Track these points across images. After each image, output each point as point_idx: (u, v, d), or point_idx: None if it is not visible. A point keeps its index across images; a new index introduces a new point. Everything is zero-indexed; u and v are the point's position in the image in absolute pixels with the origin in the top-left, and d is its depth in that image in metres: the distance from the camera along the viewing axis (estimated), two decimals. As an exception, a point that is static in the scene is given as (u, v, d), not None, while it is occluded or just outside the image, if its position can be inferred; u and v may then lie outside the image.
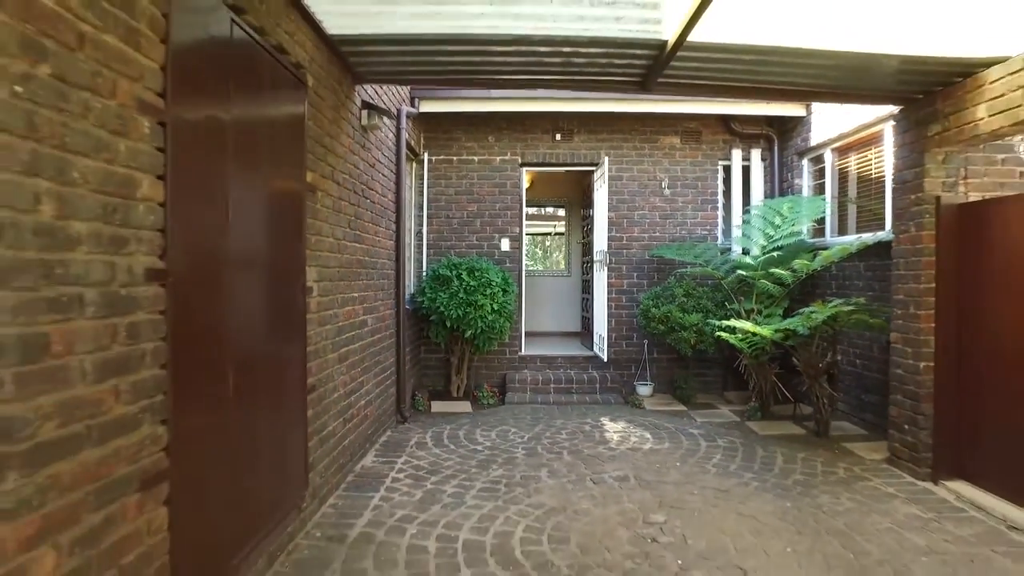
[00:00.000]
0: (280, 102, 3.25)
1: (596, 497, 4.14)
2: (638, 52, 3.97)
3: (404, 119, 6.06)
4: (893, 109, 4.85)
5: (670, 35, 3.65)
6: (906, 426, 4.62)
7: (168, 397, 2.18)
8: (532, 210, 11.25)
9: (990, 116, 3.81)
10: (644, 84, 4.47)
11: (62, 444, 1.69)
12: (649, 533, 3.58)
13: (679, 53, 3.82)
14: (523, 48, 3.98)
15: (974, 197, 4.51)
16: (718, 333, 6.01)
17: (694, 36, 3.54)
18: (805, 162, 7.30)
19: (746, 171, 7.72)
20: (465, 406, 6.83)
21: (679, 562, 3.23)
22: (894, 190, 4.85)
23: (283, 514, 3.24)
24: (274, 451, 3.15)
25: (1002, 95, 3.71)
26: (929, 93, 4.38)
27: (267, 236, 3.06)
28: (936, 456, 4.37)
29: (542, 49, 3.99)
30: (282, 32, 3.23)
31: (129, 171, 1.97)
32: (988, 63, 3.80)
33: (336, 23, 3.73)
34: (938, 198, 4.39)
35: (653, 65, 4.13)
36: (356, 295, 4.67)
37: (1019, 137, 4.48)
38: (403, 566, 3.15)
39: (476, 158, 7.57)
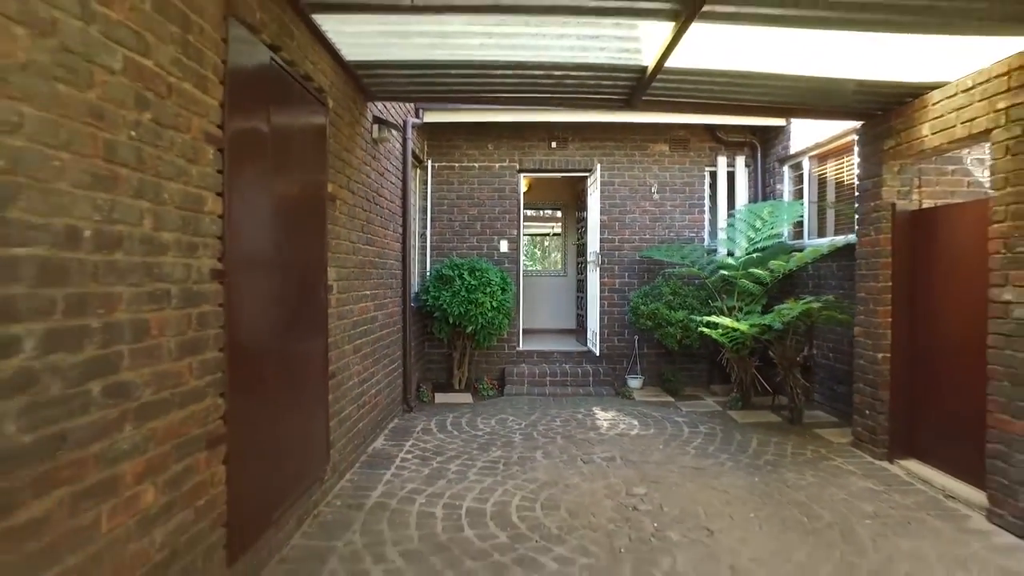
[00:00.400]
0: (307, 123, 3.73)
1: (585, 474, 4.62)
2: (622, 75, 4.45)
3: (410, 130, 6.54)
4: (857, 124, 5.33)
5: (650, 61, 4.13)
6: (867, 411, 5.10)
7: (225, 375, 2.66)
8: (530, 212, 11.74)
9: (932, 134, 4.29)
10: (629, 102, 4.95)
11: (157, 405, 2.17)
12: (630, 503, 4.06)
13: (659, 76, 4.31)
14: (519, 71, 4.47)
15: (927, 204, 4.99)
16: (701, 328, 6.48)
17: (671, 63, 4.02)
18: (786, 169, 7.78)
19: (731, 176, 8.20)
20: (466, 397, 7.30)
21: (655, 525, 3.71)
22: (856, 197, 5.34)
23: (309, 483, 3.72)
24: (302, 428, 3.63)
25: (940, 116, 4.20)
26: (885, 111, 4.87)
27: (297, 240, 3.54)
28: (891, 437, 4.85)
29: (536, 72, 4.48)
30: (308, 63, 3.71)
31: (199, 190, 2.45)
32: (931, 87, 4.29)
33: (353, 51, 4.21)
34: (893, 205, 4.87)
35: (636, 86, 4.61)
36: (368, 293, 5.15)
37: (967, 150, 4.96)
38: (414, 527, 3.63)
39: (476, 164, 8.04)
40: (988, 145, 3.92)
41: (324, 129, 4.01)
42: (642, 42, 3.84)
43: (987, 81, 3.80)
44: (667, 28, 3.54)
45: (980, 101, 3.85)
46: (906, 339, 4.82)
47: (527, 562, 3.22)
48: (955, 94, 4.08)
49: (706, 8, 3.16)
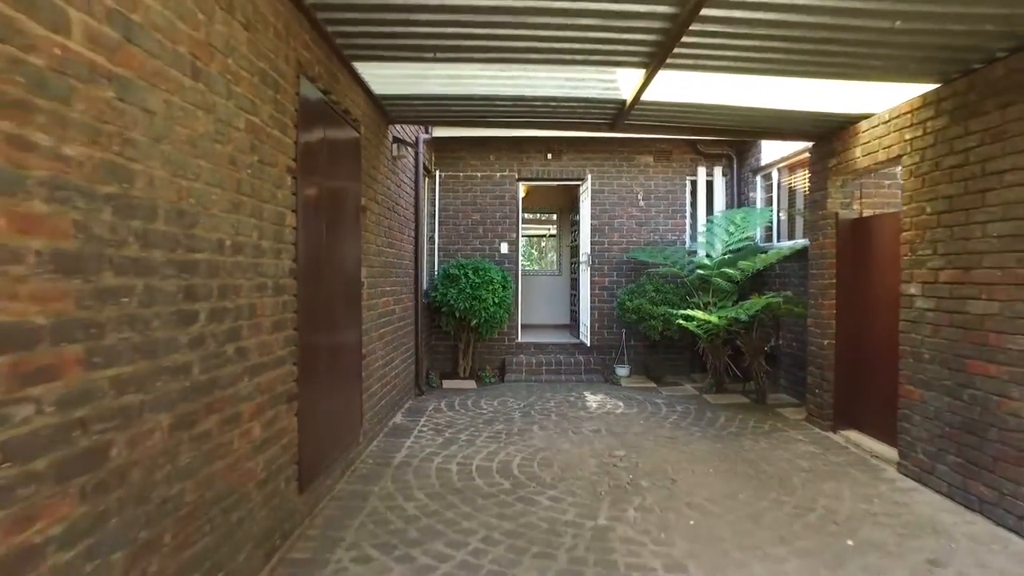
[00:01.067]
0: (346, 148, 4.57)
1: (575, 441, 5.48)
2: (606, 106, 5.32)
3: (421, 145, 7.39)
4: (810, 144, 6.20)
5: (628, 96, 4.98)
6: (816, 390, 5.97)
7: (297, 348, 3.50)
8: (528, 215, 12.58)
9: (862, 156, 5.16)
10: (613, 126, 5.81)
11: (261, 366, 3.01)
12: (611, 462, 4.91)
13: (636, 107, 5.16)
14: (519, 102, 5.32)
15: (868, 213, 5.86)
16: (678, 321, 7.34)
17: (646, 97, 4.88)
18: (758, 178, 8.65)
19: (710, 185, 9.07)
20: (471, 384, 8.15)
21: (630, 476, 4.56)
22: (808, 207, 6.21)
23: (348, 444, 4.57)
24: (344, 398, 4.48)
25: (868, 142, 5.07)
26: (828, 136, 5.73)
27: (341, 245, 4.38)
28: (835, 411, 5.72)
29: (534, 102, 5.33)
30: (348, 99, 4.56)
31: (283, 209, 3.30)
32: (861, 118, 5.16)
33: (380, 87, 5.06)
34: (837, 214, 5.74)
35: (618, 114, 5.47)
36: (388, 289, 6.00)
37: (899, 167, 5.82)
38: (434, 477, 4.48)
39: (479, 174, 8.89)
40: (899, 167, 4.78)
41: (359, 152, 4.86)
42: (620, 82, 4.70)
43: (898, 116, 4.67)
44: (639, 73, 4.41)
45: (894, 132, 4.72)
46: (847, 328, 5.68)
47: (526, 500, 4.07)
48: (877, 125, 4.95)
49: (669, 61, 4.01)
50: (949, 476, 4.07)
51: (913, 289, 4.44)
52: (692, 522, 3.74)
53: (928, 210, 4.30)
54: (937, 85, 4.28)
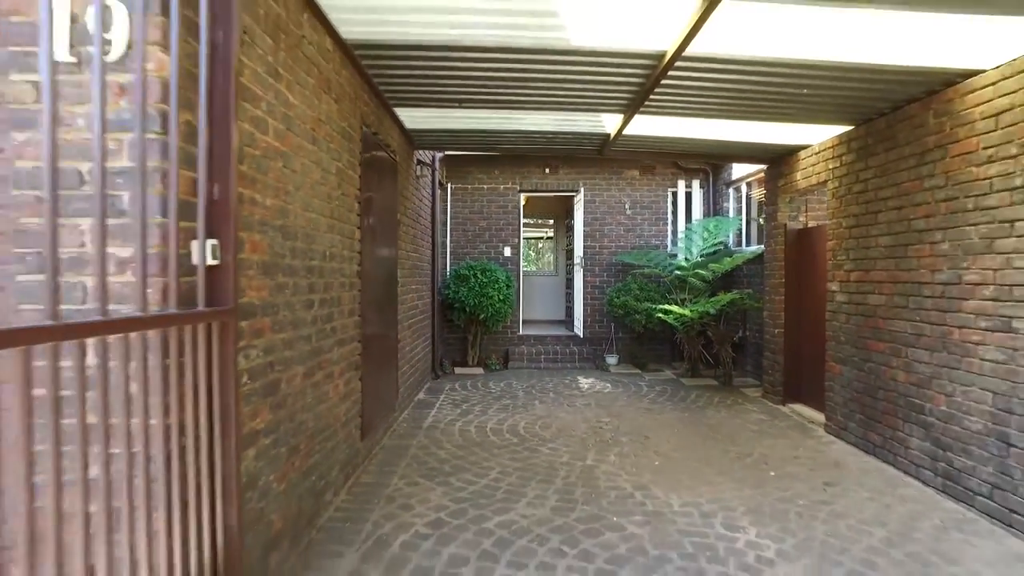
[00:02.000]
0: (387, 173, 5.76)
1: (569, 412, 6.68)
2: (594, 138, 6.52)
3: (437, 163, 8.57)
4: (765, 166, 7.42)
5: (611, 131, 6.19)
6: (770, 371, 7.18)
7: (360, 331, 4.68)
8: (528, 221, 13.75)
9: (802, 179, 6.37)
10: (601, 152, 7.02)
11: (342, 340, 4.20)
12: (598, 425, 6.10)
13: (619, 139, 6.36)
14: (521, 134, 6.52)
15: (812, 224, 7.06)
16: (657, 315, 8.53)
17: (626, 132, 6.08)
18: (731, 191, 9.86)
19: (688, 196, 10.28)
20: (479, 370, 9.34)
21: (612, 434, 5.75)
22: (764, 218, 7.43)
23: (388, 411, 5.75)
24: (387, 373, 5.66)
25: (805, 168, 6.28)
26: (778, 160, 6.94)
27: (385, 251, 5.57)
28: (784, 388, 6.92)
29: (534, 135, 6.53)
30: (389, 135, 5.75)
31: (353, 227, 4.49)
32: (801, 148, 6.37)
33: (411, 123, 6.26)
34: (785, 225, 6.95)
35: (604, 144, 6.67)
36: (413, 287, 7.18)
37: (826, 189, 7.02)
38: (458, 435, 5.67)
39: (486, 186, 10.08)
40: (827, 189, 5.99)
41: (396, 175, 6.05)
42: (604, 122, 5.91)
43: (825, 149, 5.89)
44: (619, 117, 5.61)
45: (821, 162, 5.93)
46: (793, 319, 6.89)
47: (531, 448, 5.27)
48: (811, 155, 6.16)
49: (642, 109, 5.21)
50: (856, 430, 5.28)
51: (834, 286, 5.66)
52: (657, 463, 4.94)
53: (843, 224, 5.52)
54: (850, 127, 5.49)
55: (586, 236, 10.09)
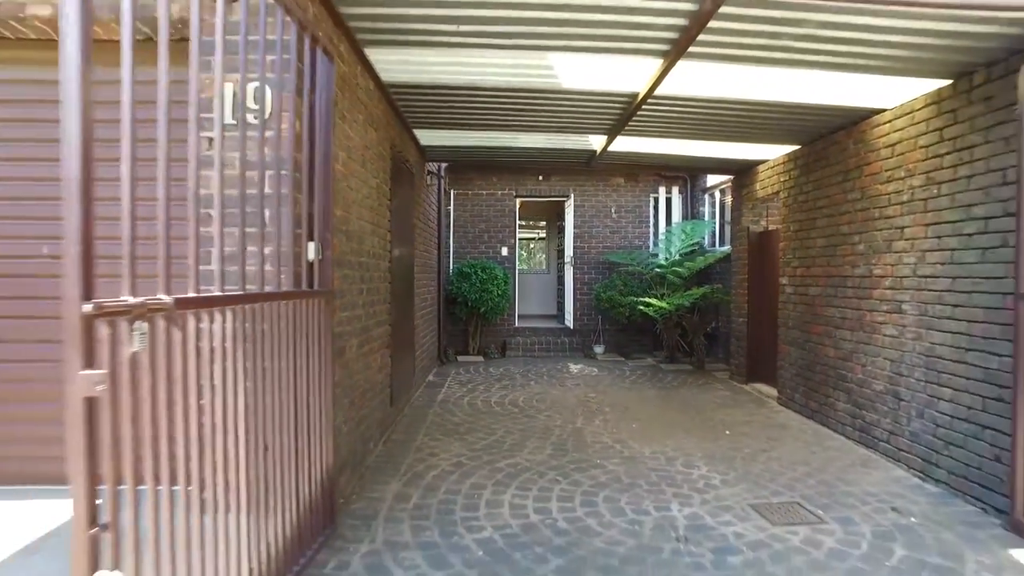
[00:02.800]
0: (406, 185, 6.77)
1: (561, 390, 7.71)
2: (582, 154, 7.57)
3: (442, 172, 9.58)
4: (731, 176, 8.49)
5: (597, 148, 7.23)
6: (736, 356, 8.25)
7: (390, 316, 5.69)
8: (522, 223, 14.78)
9: (760, 189, 7.45)
10: (588, 166, 8.08)
11: (379, 323, 5.21)
12: (585, 400, 7.14)
13: (604, 155, 7.41)
14: (519, 149, 7.56)
15: (773, 227, 8.13)
16: (639, 307, 9.58)
17: (610, 149, 7.12)
18: (706, 196, 10.94)
19: (668, 201, 11.34)
20: (479, 358, 10.35)
21: (597, 405, 6.79)
22: (731, 222, 8.50)
23: (408, 385, 6.76)
24: (407, 354, 6.67)
25: (763, 179, 7.36)
26: (742, 172, 8.02)
27: (405, 251, 6.58)
28: (747, 370, 7.99)
29: (530, 150, 7.57)
30: (408, 152, 6.76)
31: (385, 231, 5.49)
32: (759, 163, 7.45)
33: (425, 140, 7.27)
34: (748, 228, 8.02)
35: (591, 159, 7.72)
36: (424, 283, 8.19)
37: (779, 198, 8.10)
38: (467, 406, 6.69)
39: (484, 192, 11.09)
40: (780, 198, 7.06)
41: (413, 186, 7.06)
42: (591, 141, 6.96)
43: (777, 164, 6.96)
44: (604, 137, 6.66)
45: (775, 175, 7.01)
46: (754, 309, 7.96)
47: (529, 416, 6.29)
48: (767, 169, 7.24)
49: (622, 132, 6.25)
50: (799, 399, 6.36)
51: (784, 280, 6.73)
52: (634, 426, 5.98)
53: (791, 228, 6.59)
54: (796, 147, 6.56)
55: (576, 237, 11.14)
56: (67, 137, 1.53)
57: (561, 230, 12.96)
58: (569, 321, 11.15)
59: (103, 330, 1.56)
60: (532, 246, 19.26)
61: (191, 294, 2.06)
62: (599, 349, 10.82)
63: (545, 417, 6.28)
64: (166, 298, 1.82)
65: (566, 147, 7.32)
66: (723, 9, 3.33)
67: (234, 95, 3.05)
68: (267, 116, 3.06)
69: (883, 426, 4.92)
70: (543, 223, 15.03)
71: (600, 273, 11.16)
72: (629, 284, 10.39)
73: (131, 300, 1.68)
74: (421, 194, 7.89)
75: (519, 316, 11.52)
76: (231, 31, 2.62)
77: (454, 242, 11.06)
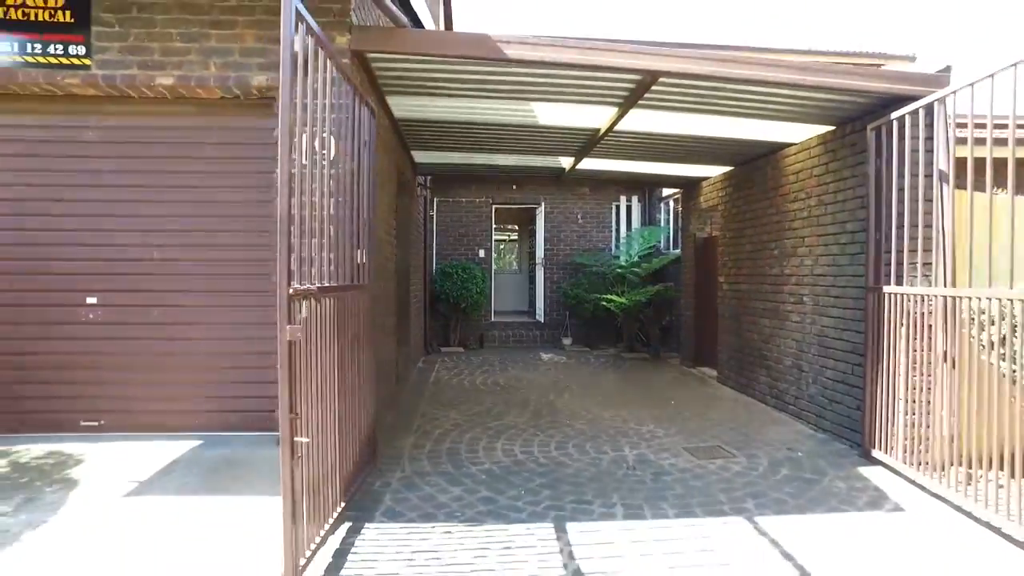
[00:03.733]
0: (404, 197, 7.90)
1: (534, 373, 8.94)
2: (553, 170, 8.82)
3: (428, 182, 10.73)
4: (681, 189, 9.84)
5: (566, 166, 8.49)
6: (685, 344, 9.60)
7: (396, 307, 6.83)
8: (497, 226, 15.97)
9: (703, 201, 8.81)
10: (558, 181, 9.33)
11: (390, 313, 6.35)
12: (556, 381, 8.38)
13: (572, 172, 8.68)
14: (498, 166, 8.77)
15: (714, 234, 9.49)
16: (602, 303, 10.86)
17: (578, 167, 8.39)
18: (662, 205, 12.30)
19: (629, 209, 12.67)
20: (460, 349, 11.52)
21: (566, 384, 8.04)
22: (680, 229, 9.85)
23: (407, 368, 7.89)
24: (405, 341, 7.80)
25: (705, 193, 8.72)
26: (689, 186, 9.37)
27: (403, 255, 7.71)
28: (694, 356, 9.34)
29: (508, 167, 8.79)
30: (405, 168, 7.91)
31: (391, 238, 6.63)
32: (703, 179, 8.80)
33: (420, 159, 8.44)
34: (694, 234, 9.37)
35: (560, 175, 9.00)
36: (414, 281, 9.32)
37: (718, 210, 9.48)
38: (456, 386, 7.86)
39: (464, 200, 12.25)
40: (718, 210, 8.42)
41: (411, 199, 8.20)
42: (561, 161, 8.22)
43: (716, 182, 8.32)
44: (572, 159, 7.92)
45: (714, 191, 8.37)
46: (700, 304, 9.32)
47: (509, 392, 7.50)
48: (709, 184, 8.60)
49: (588, 155, 7.51)
50: (733, 377, 7.70)
51: (722, 279, 8.08)
52: (598, 399, 7.23)
53: (727, 235, 7.94)
54: (731, 168, 7.92)
55: (546, 240, 12.39)
56: (281, 187, 2.68)
57: (533, 234, 14.20)
58: (540, 316, 12.41)
59: (287, 305, 2.70)
60: (503, 247, 20.51)
61: (325, 283, 3.21)
62: (567, 341, 12.09)
63: (523, 393, 7.50)
64: (313, 287, 2.97)
65: (539, 165, 8.57)
66: (660, 80, 4.60)
67: (307, 143, 4.18)
68: (332, 158, 4.20)
69: (791, 392, 6.27)
70: (515, 227, 16.24)
71: (568, 273, 12.43)
72: (593, 283, 11.68)
73: (303, 287, 2.83)
74: (412, 203, 9.03)
75: (495, 312, 12.71)
76: (306, 95, 3.76)
77: (437, 245, 12.20)
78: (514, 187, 12.32)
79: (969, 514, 3.74)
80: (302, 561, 2.79)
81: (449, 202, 12.24)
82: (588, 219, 12.56)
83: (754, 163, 7.22)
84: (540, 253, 12.52)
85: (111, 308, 4.58)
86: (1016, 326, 3.52)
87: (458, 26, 11.97)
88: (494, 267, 12.85)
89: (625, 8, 73.17)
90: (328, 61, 3.27)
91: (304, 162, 4.16)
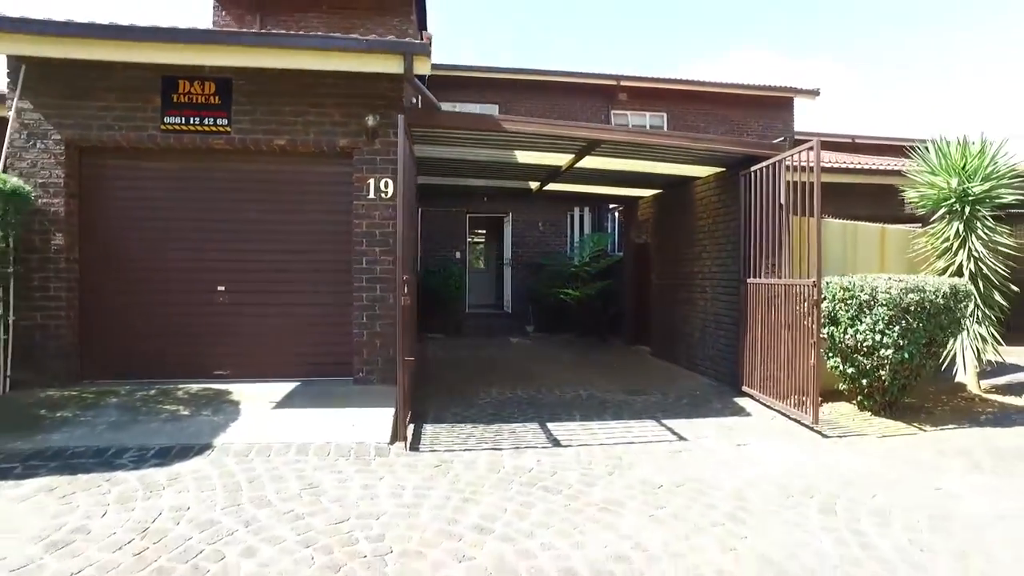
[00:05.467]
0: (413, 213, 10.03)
1: (507, 351, 11.19)
2: (521, 190, 11.10)
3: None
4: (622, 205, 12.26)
5: (534, 187, 10.79)
6: (626, 328, 12.02)
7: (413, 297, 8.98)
8: (470, 230, 18.14)
9: (640, 215, 11.24)
10: (525, 196, 11.61)
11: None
12: (525, 356, 10.65)
13: (539, 192, 10.97)
14: (477, 187, 10.99)
15: (648, 241, 11.92)
16: (560, 296, 13.18)
17: (545, 188, 10.69)
18: (609, 215, 14.73)
19: (582, 218, 15.06)
20: (441, 336, 13.65)
21: (535, 359, 10.32)
22: (622, 236, 12.27)
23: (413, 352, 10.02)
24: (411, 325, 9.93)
25: (643, 208, 11.15)
26: (631, 202, 11.80)
27: (411, 251, 9.84)
28: (634, 337, 11.76)
29: (486, 188, 11.01)
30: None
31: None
32: (640, 197, 11.23)
33: (421, 181, 10.57)
34: (634, 240, 11.79)
35: (529, 193, 11.27)
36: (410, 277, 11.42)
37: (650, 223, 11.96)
38: (448, 358, 10.05)
39: (443, 209, 14.39)
40: (650, 223, 10.84)
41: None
42: (530, 184, 10.50)
43: (649, 200, 10.76)
44: (537, 183, 10.22)
45: (648, 207, 10.80)
46: (637, 296, 11.73)
47: (489, 362, 9.74)
48: (644, 202, 11.03)
49: (553, 181, 9.82)
50: (662, 350, 10.13)
51: (653, 276, 10.51)
52: (560, 366, 9.53)
53: (656, 242, 10.37)
54: (659, 191, 10.35)
55: (513, 244, 14.66)
56: (398, 215, 4.84)
57: (500, 238, 16.45)
58: (508, 307, 14.66)
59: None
60: (478, 249, 22.70)
61: (405, 276, 5.39)
62: (530, 328, 14.39)
63: (502, 363, 9.75)
64: (410, 276, 5.15)
65: (511, 186, 10.82)
66: (601, 145, 6.93)
67: (376, 184, 6.33)
68: (390, 195, 6.36)
69: (699, 356, 8.71)
70: (484, 232, 18.45)
71: (531, 271, 14.73)
72: (553, 279, 14.02)
73: (405, 277, 5.00)
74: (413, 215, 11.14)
75: (469, 304, 14.92)
76: (373, 152, 5.94)
77: (422, 247, 14.31)
78: (485, 199, 14.55)
79: (786, 415, 6.19)
80: (407, 431, 4.97)
81: (431, 211, 14.37)
82: (548, 226, 14.89)
83: (675, 189, 9.65)
84: (508, 254, 14.79)
85: (235, 294, 6.59)
86: (815, 299, 5.95)
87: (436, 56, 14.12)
88: (469, 265, 15.05)
89: (590, 46, 76.25)
90: (398, 133, 5.42)
91: (372, 196, 6.34)
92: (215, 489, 4.02)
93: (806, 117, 62.01)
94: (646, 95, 16.03)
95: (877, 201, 10.91)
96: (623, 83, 15.73)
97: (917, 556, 3.28)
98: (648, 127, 16.11)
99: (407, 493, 4.05)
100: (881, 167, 11.29)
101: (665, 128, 16.14)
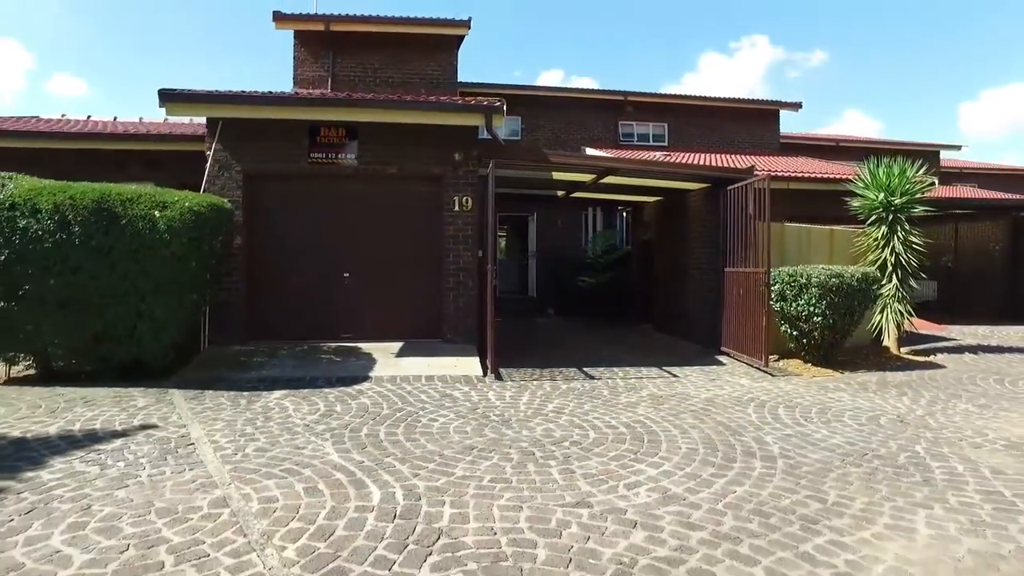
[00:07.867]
0: (460, 215, 12.59)
1: (535, 329, 13.77)
2: (553, 196, 13.66)
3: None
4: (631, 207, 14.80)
5: (560, 195, 13.34)
6: (633, 309, 14.59)
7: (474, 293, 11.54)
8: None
9: (646, 217, 13.79)
10: (552, 199, 14.17)
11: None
12: (552, 331, 13.23)
13: (561, 199, 13.52)
14: (520, 194, 13.55)
15: (652, 238, 14.46)
16: (577, 283, 15.73)
17: (570, 196, 13.24)
18: (618, 215, 17.27)
19: (595, 218, 17.59)
20: (477, 317, 16.24)
21: (556, 334, 12.90)
22: (630, 233, 14.82)
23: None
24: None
25: (647, 212, 13.69)
26: (637, 206, 14.33)
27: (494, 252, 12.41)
28: (639, 317, 14.32)
29: (529, 195, 13.57)
30: (460, 197, 12.62)
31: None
32: (645, 203, 13.77)
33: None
34: (640, 237, 14.34)
35: (557, 198, 13.82)
36: (492, 267, 14.02)
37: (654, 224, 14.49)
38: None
39: (477, 209, 16.92)
40: (653, 225, 13.39)
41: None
42: (557, 193, 13.06)
43: (653, 205, 13.29)
44: (563, 192, 12.79)
45: (652, 211, 13.35)
46: (643, 284, 14.28)
47: (524, 332, 12.33)
48: (649, 207, 13.57)
49: (574, 192, 12.37)
50: (665, 325, 12.71)
51: (655, 266, 13.07)
52: (581, 338, 12.11)
53: (658, 239, 12.92)
54: (661, 198, 12.88)
55: (537, 238, 17.23)
56: (488, 224, 7.41)
57: (522, 234, 19.02)
58: (532, 293, 17.25)
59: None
60: (503, 244, 25.30)
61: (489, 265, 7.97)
62: (551, 311, 16.97)
63: (535, 335, 12.34)
64: (494, 266, 7.73)
65: (545, 194, 13.37)
66: (617, 172, 9.50)
67: (459, 200, 8.90)
68: (469, 208, 8.94)
69: (692, 329, 11.29)
70: (505, 228, 21.03)
71: (553, 262, 17.30)
72: (571, 269, 16.60)
73: (488, 265, 7.58)
74: (458, 216, 13.71)
75: (500, 290, 17.50)
76: (456, 178, 8.52)
77: (459, 242, 16.88)
78: (512, 201, 17.09)
79: (749, 364, 8.78)
80: (496, 368, 7.58)
81: (467, 211, 16.92)
82: (566, 223, 17.45)
83: (674, 198, 12.18)
84: (533, 247, 17.35)
85: (356, 278, 9.20)
86: (765, 283, 8.49)
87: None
88: (498, 257, 17.63)
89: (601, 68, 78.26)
90: (488, 175, 7.97)
91: (457, 209, 8.93)
92: (388, 396, 6.63)
93: (804, 117, 64.33)
94: (649, 108, 18.57)
95: (837, 204, 13.45)
96: (630, 98, 18.27)
97: (803, 422, 5.87)
98: (651, 136, 18.69)
99: (507, 396, 6.68)
100: (832, 175, 13.90)
101: (666, 136, 18.72)
